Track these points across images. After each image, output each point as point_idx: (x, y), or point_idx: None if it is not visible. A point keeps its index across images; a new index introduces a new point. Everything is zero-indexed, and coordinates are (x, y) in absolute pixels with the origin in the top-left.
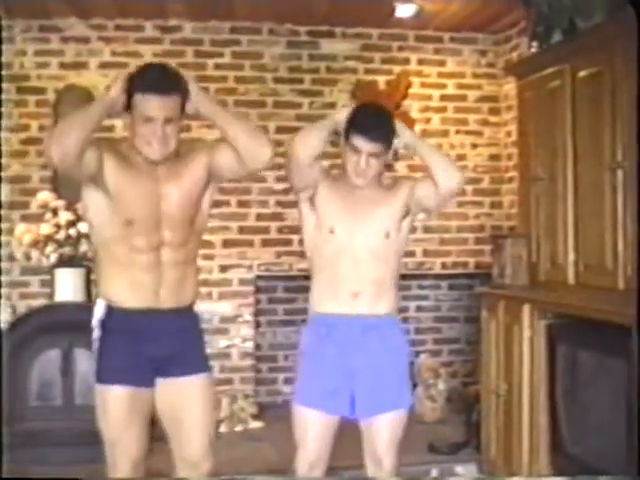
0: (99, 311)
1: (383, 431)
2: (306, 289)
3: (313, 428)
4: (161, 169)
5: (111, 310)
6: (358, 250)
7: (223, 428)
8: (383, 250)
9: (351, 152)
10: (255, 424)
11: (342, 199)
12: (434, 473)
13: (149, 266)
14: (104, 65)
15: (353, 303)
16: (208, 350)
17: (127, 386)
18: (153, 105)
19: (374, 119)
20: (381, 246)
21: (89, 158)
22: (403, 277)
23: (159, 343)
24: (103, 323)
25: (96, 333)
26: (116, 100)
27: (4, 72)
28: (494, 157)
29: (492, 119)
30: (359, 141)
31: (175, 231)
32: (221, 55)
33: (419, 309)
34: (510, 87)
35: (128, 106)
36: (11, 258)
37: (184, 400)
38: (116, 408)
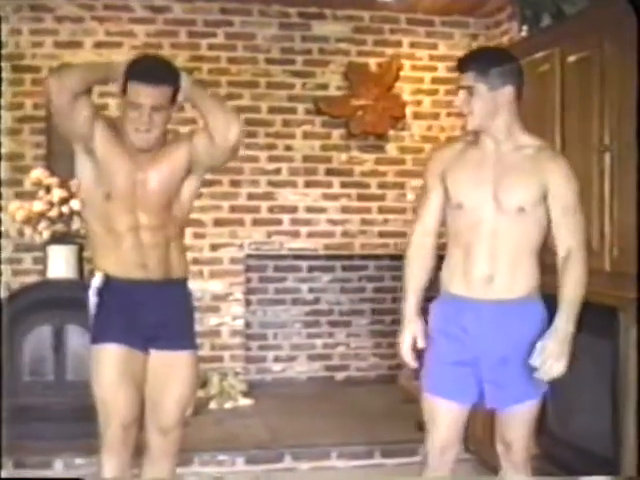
0: (96, 281)
1: (516, 423)
2: (295, 268)
3: (443, 416)
4: (144, 156)
5: (107, 279)
6: (491, 225)
7: (213, 405)
8: (518, 223)
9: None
10: (244, 401)
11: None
12: (421, 452)
13: (131, 247)
14: (99, 45)
15: (486, 288)
16: (199, 328)
17: (122, 345)
18: (141, 93)
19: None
20: (515, 219)
21: (82, 111)
22: (393, 258)
23: (151, 309)
24: (100, 291)
25: (93, 300)
26: (117, 70)
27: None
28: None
29: None
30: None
31: (150, 215)
32: (214, 35)
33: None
34: None
35: (124, 91)
36: (4, 235)
37: (168, 373)
38: (110, 365)
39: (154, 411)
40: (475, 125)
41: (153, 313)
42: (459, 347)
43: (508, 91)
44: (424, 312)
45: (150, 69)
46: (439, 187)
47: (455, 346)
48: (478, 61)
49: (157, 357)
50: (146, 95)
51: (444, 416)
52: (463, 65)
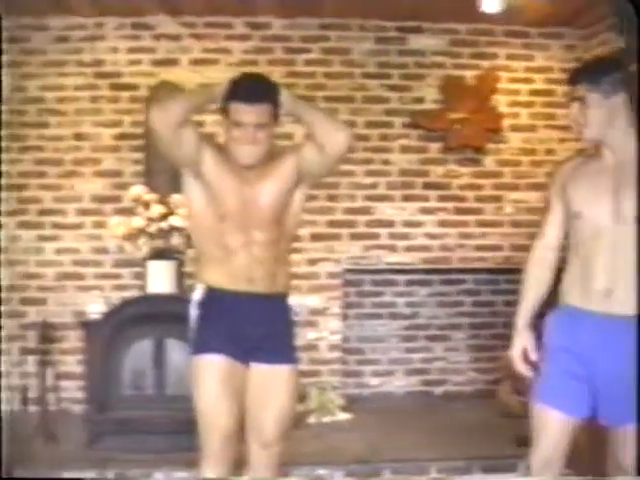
0: (198, 293)
1: (629, 441)
2: (393, 283)
3: (550, 427)
4: (253, 172)
5: (209, 291)
6: (610, 235)
7: (311, 419)
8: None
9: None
10: (343, 416)
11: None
12: (521, 467)
13: (243, 262)
14: (195, 62)
15: (605, 301)
16: (297, 342)
17: (223, 356)
18: (243, 112)
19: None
20: (635, 230)
21: (189, 139)
22: (491, 272)
23: (254, 322)
24: (201, 304)
25: (194, 312)
26: (218, 96)
27: (97, 69)
28: (583, 152)
29: None
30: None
31: (264, 231)
32: (310, 51)
33: (507, 304)
34: None
35: (224, 112)
36: (104, 250)
37: (269, 387)
38: (212, 376)
39: (255, 425)
40: (592, 136)
41: (256, 326)
42: (575, 360)
43: (621, 99)
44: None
45: (251, 88)
46: (560, 202)
47: (571, 359)
48: (589, 72)
49: (258, 371)
50: (248, 113)
51: (553, 426)
52: (574, 77)
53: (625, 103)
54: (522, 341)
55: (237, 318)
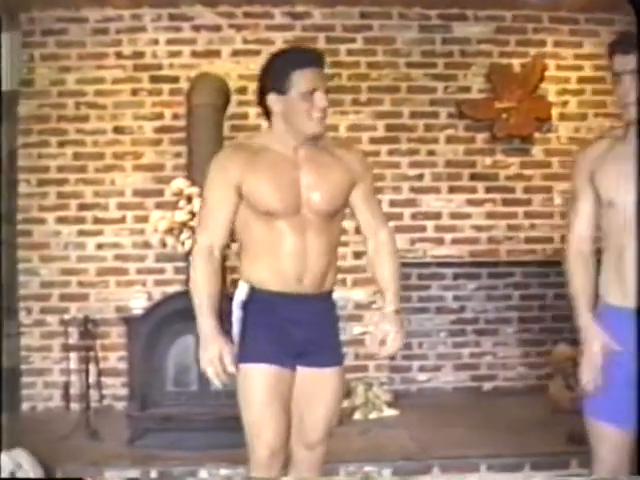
0: (241, 293)
1: None
2: (440, 276)
3: (610, 443)
4: (300, 152)
5: (253, 292)
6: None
7: (358, 415)
8: None
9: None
10: (389, 412)
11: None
12: (573, 464)
13: (294, 252)
14: (236, 53)
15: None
16: (342, 337)
17: (273, 365)
18: (313, 77)
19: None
20: None
21: (231, 216)
22: (541, 264)
23: (301, 325)
24: (245, 305)
25: (237, 314)
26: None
27: (137, 61)
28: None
29: None
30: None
31: (317, 215)
32: (353, 41)
33: (557, 297)
34: None
35: (280, 90)
36: (146, 245)
37: (316, 389)
38: (261, 387)
39: (300, 427)
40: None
41: (304, 329)
42: (622, 365)
43: None
44: None
45: (311, 53)
46: (589, 190)
47: (619, 364)
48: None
49: (305, 374)
50: (320, 79)
51: (612, 441)
52: (624, 46)
53: None
54: (599, 342)
55: (284, 322)
